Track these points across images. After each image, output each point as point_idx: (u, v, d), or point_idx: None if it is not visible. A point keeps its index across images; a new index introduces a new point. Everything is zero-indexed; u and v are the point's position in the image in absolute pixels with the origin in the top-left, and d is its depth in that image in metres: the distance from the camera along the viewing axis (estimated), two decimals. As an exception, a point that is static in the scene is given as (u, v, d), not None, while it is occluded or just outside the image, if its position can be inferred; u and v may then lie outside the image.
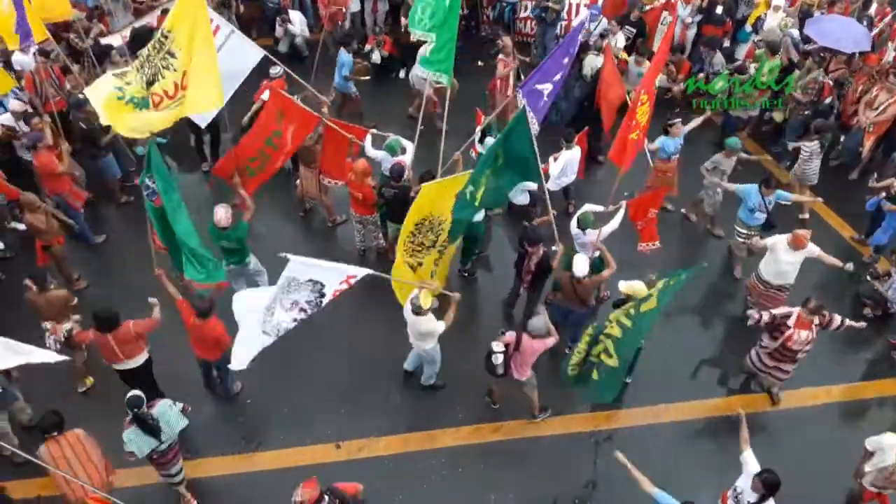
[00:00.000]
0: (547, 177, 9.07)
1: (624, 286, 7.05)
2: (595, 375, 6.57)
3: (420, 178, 8.06)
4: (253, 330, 6.36)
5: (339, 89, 10.63)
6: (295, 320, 6.33)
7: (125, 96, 6.97)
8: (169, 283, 6.86)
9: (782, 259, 7.69)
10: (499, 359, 6.79)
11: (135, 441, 5.80)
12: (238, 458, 7.15)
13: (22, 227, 8.89)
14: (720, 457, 7.27)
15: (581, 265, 7.24)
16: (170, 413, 5.98)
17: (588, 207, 8.05)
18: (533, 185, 8.73)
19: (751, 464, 5.74)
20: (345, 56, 10.41)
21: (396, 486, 6.92)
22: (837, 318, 7.07)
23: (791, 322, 6.96)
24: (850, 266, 7.82)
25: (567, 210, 9.56)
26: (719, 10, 11.90)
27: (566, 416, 7.62)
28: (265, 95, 9.13)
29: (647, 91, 7.33)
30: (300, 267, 6.19)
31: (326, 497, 5.27)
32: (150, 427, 5.79)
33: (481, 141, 9.09)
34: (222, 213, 7.37)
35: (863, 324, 7.36)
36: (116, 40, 10.81)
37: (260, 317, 6.33)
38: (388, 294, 8.59)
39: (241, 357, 6.41)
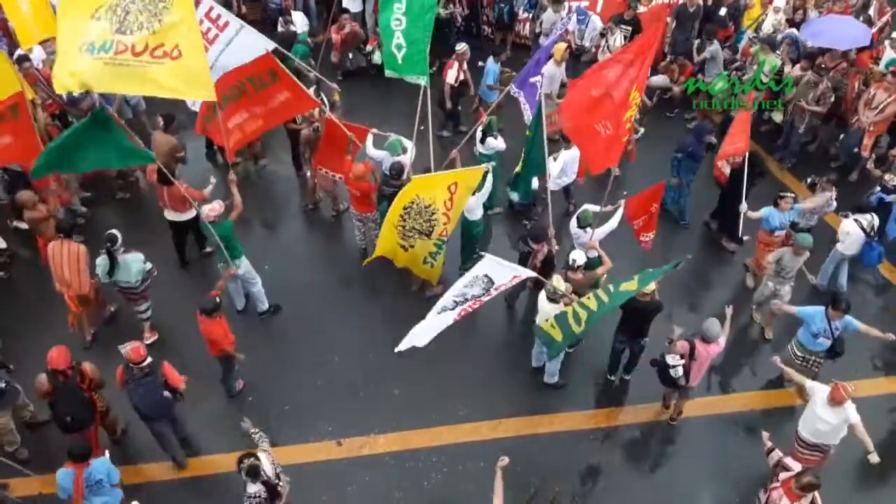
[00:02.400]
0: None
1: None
2: (552, 328, 6.69)
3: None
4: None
5: (481, 96, 10.72)
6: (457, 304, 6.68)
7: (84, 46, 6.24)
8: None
9: (819, 414, 6.31)
10: (679, 371, 6.84)
11: (101, 265, 7.44)
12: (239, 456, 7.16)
13: (24, 225, 8.95)
14: (719, 454, 7.31)
15: (578, 255, 7.32)
16: (134, 265, 7.54)
17: (588, 207, 8.08)
18: (534, 183, 8.79)
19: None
20: (491, 65, 10.43)
21: (397, 483, 6.95)
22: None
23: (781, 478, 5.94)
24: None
25: (567, 210, 9.59)
26: (723, 11, 11.92)
27: (565, 413, 7.64)
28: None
29: (640, 90, 7.09)
30: (492, 265, 6.54)
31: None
32: (113, 259, 7.39)
33: (482, 141, 9.12)
34: (207, 209, 7.49)
35: None
36: None
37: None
38: (388, 292, 8.65)
39: (417, 339, 6.75)
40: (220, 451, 7.17)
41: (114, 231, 7.47)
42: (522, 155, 8.64)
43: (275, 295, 8.45)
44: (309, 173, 9.73)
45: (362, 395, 7.66)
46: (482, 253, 8.79)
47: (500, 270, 6.56)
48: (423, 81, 8.12)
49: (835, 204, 8.84)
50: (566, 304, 6.91)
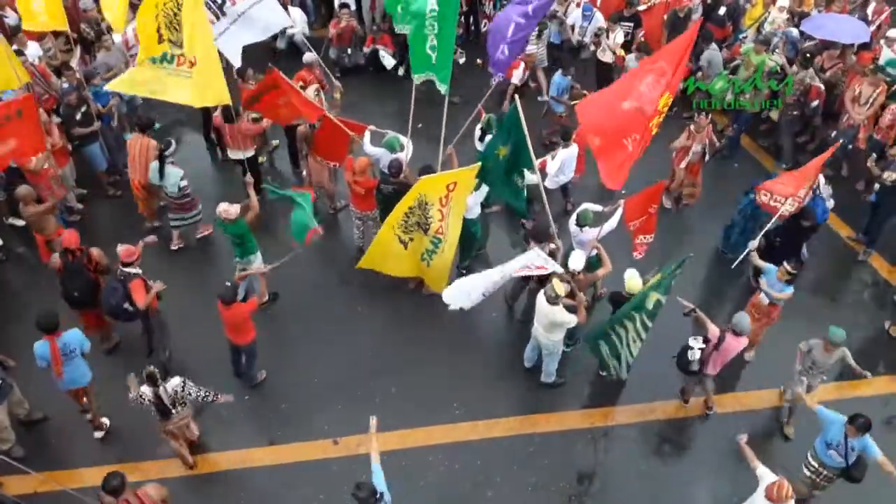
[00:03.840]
0: (544, 175, 9.11)
1: (628, 283, 7.16)
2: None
3: (419, 175, 8.06)
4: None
5: (550, 105, 10.77)
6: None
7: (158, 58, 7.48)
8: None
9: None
10: (696, 355, 6.92)
11: (153, 169, 8.49)
12: (236, 454, 7.17)
13: (20, 222, 8.92)
14: (716, 453, 7.31)
15: (577, 259, 7.28)
16: (173, 177, 8.43)
17: (587, 206, 8.06)
18: (533, 178, 8.75)
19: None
20: (558, 78, 10.41)
21: (393, 481, 6.86)
22: None
23: None
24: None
25: (566, 208, 9.58)
26: (722, 10, 11.89)
27: (562, 412, 7.64)
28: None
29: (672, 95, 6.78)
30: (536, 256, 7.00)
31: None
32: (163, 165, 8.37)
33: (481, 139, 9.09)
34: (223, 207, 7.58)
35: None
36: (129, 30, 10.86)
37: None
38: (386, 291, 8.64)
39: (454, 295, 7.31)
40: (220, 450, 7.18)
41: (170, 139, 8.70)
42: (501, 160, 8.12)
43: (272, 285, 8.45)
44: (305, 171, 9.70)
45: (359, 394, 7.64)
46: (477, 249, 8.91)
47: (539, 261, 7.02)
48: (443, 89, 8.11)
49: (832, 202, 8.84)
50: (566, 306, 6.96)
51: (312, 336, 8.23)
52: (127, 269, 7.12)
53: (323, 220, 8.86)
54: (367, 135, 8.80)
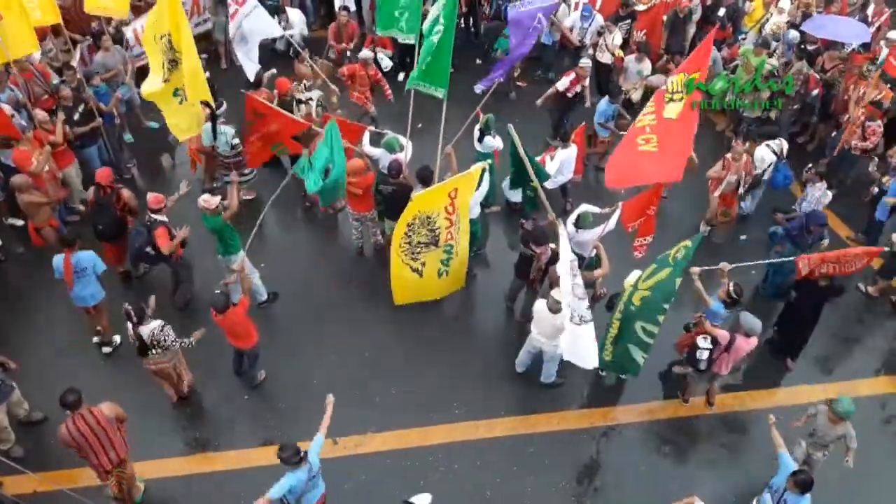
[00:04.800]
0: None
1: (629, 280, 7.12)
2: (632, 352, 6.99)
3: (417, 175, 8.07)
4: (571, 331, 6.64)
5: (596, 129, 10.53)
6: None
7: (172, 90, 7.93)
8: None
9: None
10: (704, 354, 6.90)
11: (206, 130, 8.81)
12: (236, 454, 7.17)
13: (20, 222, 8.92)
14: (716, 453, 7.32)
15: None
16: (225, 136, 8.84)
17: (586, 207, 8.06)
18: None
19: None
20: (604, 105, 10.22)
21: (392, 482, 6.94)
22: None
23: None
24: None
25: (565, 208, 9.58)
26: (722, 11, 11.91)
27: (562, 412, 7.64)
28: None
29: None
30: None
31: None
32: (215, 125, 8.75)
33: (480, 140, 9.09)
34: (204, 197, 7.55)
35: None
36: (129, 32, 10.92)
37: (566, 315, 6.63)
38: (386, 292, 8.63)
39: (587, 358, 6.76)
40: (220, 450, 7.19)
41: (221, 100, 8.97)
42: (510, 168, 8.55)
43: (271, 289, 8.45)
44: None
45: (358, 394, 7.64)
46: (477, 249, 8.90)
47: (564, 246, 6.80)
48: (440, 94, 8.08)
49: (829, 195, 8.86)
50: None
51: (312, 336, 8.23)
52: (154, 216, 7.64)
53: (315, 211, 8.82)
54: (366, 135, 8.80)
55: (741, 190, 9.08)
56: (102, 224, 8.09)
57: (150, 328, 6.65)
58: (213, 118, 8.71)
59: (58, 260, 7.23)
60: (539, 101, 10.52)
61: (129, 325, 6.65)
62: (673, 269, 6.57)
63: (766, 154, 9.15)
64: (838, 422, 6.28)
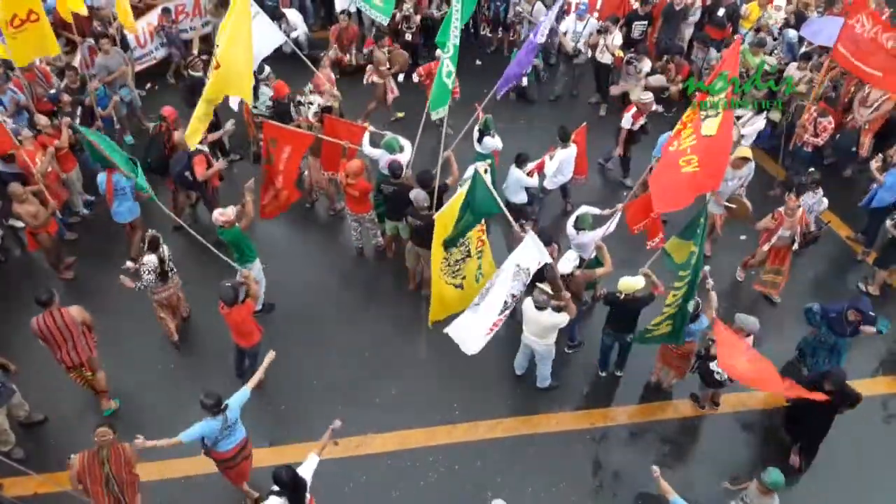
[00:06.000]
0: (542, 176, 9.13)
1: (622, 284, 7.09)
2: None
3: (417, 178, 8.07)
4: (469, 317, 6.77)
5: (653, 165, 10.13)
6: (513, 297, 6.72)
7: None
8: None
9: None
10: (725, 374, 6.75)
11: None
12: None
13: (20, 224, 8.93)
14: (715, 454, 7.31)
15: (565, 263, 7.27)
16: (265, 96, 9.52)
17: (586, 209, 8.05)
18: (532, 182, 8.75)
19: None
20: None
21: (393, 483, 6.94)
22: None
23: None
24: None
25: (565, 209, 9.58)
26: (721, 12, 11.91)
27: (562, 413, 7.64)
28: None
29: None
30: (527, 250, 6.65)
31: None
32: (257, 87, 9.26)
33: (479, 140, 9.10)
34: (218, 212, 7.55)
35: None
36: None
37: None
38: (386, 293, 8.66)
39: (469, 344, 6.86)
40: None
41: (263, 63, 9.22)
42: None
43: (271, 293, 8.43)
44: (306, 172, 9.71)
45: (359, 395, 7.65)
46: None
47: (531, 255, 6.67)
48: (442, 113, 8.15)
49: (825, 202, 8.80)
50: (556, 308, 6.93)
51: (312, 337, 8.23)
52: (196, 145, 8.19)
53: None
54: (367, 136, 8.81)
55: (796, 245, 8.24)
56: (151, 158, 8.94)
57: (165, 251, 7.37)
58: (256, 81, 8.90)
59: (101, 178, 8.12)
60: (619, 150, 10.02)
61: (152, 257, 7.24)
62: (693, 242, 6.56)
63: (807, 199, 8.54)
64: (767, 493, 5.86)
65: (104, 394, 7.26)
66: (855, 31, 8.85)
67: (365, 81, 10.93)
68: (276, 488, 5.38)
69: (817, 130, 9.56)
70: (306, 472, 5.63)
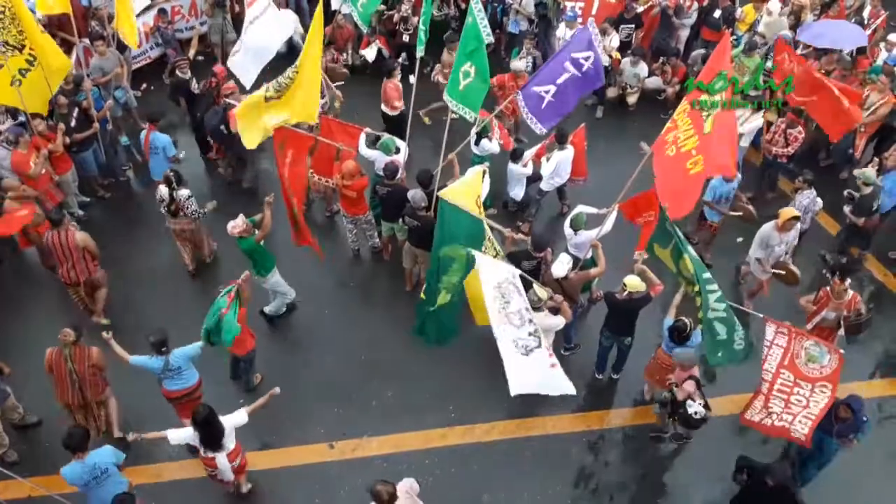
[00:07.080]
0: (539, 178, 9.12)
1: (628, 280, 7.07)
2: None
3: (417, 178, 8.06)
4: (513, 355, 6.30)
5: (704, 212, 9.00)
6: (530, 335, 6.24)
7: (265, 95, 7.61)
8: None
9: None
10: (702, 411, 6.49)
11: None
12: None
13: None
14: (712, 456, 7.30)
15: (558, 266, 7.26)
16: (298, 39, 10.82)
17: (581, 209, 8.05)
18: (528, 171, 8.74)
19: None
20: (718, 182, 8.53)
21: (389, 486, 6.91)
22: None
23: None
24: None
25: (562, 211, 9.57)
26: (717, 13, 11.92)
27: (558, 416, 7.63)
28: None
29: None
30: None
31: None
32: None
33: (476, 143, 9.09)
34: (231, 224, 7.44)
35: None
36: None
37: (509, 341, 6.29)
38: (382, 295, 8.65)
39: (520, 384, 6.37)
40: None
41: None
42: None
43: (268, 296, 8.41)
44: None
45: (355, 398, 7.63)
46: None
47: (494, 269, 6.36)
48: (470, 116, 8.02)
49: (819, 202, 8.79)
50: (552, 310, 6.91)
51: (308, 340, 8.22)
52: (229, 100, 8.90)
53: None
54: (363, 137, 8.79)
55: (842, 331, 7.53)
56: (201, 112, 9.60)
57: (181, 194, 7.97)
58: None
59: (143, 134, 9.02)
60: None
61: (165, 190, 7.97)
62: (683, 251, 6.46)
63: (801, 200, 8.54)
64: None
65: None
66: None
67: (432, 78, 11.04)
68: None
69: (788, 141, 9.54)
70: (229, 421, 6.11)
